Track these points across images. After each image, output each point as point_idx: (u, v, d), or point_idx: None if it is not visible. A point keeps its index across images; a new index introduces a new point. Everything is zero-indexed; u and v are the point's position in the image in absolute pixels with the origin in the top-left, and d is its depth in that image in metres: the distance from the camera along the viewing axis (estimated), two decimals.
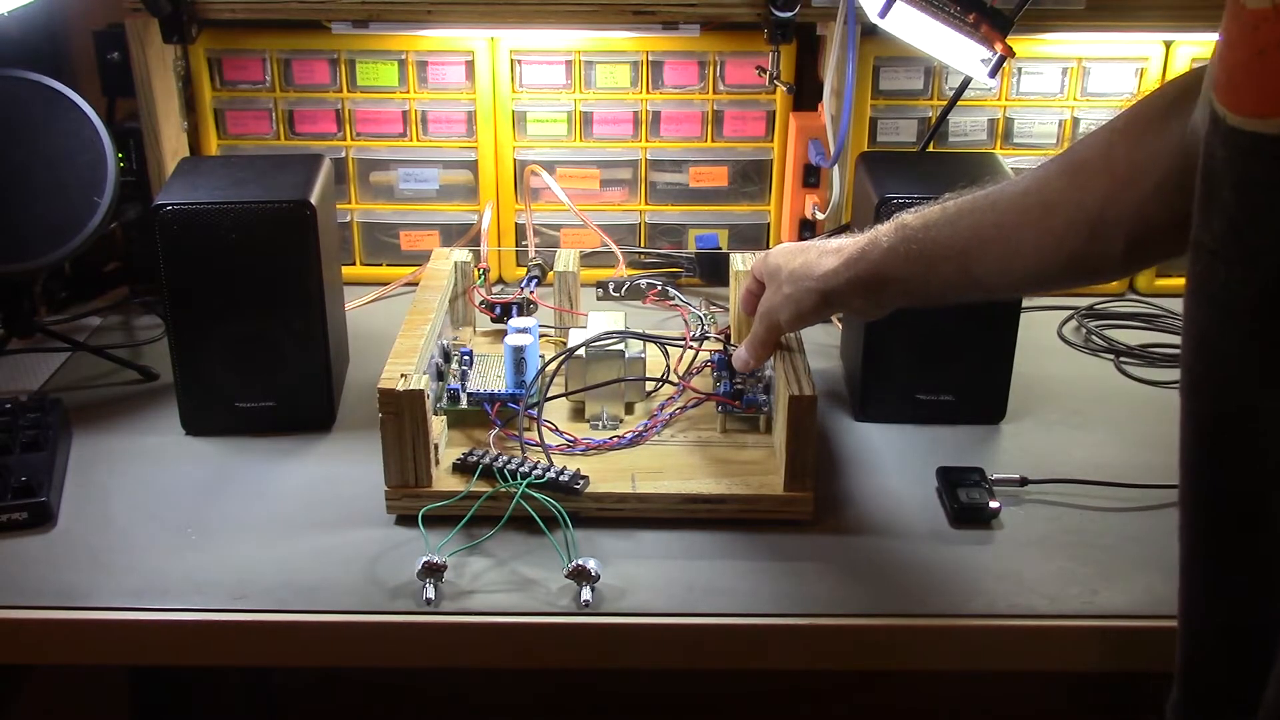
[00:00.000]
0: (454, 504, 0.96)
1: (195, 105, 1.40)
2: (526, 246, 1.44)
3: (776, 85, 1.36)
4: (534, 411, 1.06)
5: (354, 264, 1.47)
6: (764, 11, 1.29)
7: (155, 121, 1.35)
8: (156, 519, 1.00)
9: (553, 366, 1.09)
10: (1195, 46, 1.36)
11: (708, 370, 1.15)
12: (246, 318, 1.08)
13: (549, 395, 1.09)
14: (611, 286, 1.39)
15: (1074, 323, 1.36)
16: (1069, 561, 0.95)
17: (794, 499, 0.98)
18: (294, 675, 1.64)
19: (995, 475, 1.03)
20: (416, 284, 1.20)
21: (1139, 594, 0.91)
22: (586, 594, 0.89)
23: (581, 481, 0.98)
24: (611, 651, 0.90)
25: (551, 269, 1.26)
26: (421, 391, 0.95)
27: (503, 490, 0.96)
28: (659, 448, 1.06)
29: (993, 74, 1.13)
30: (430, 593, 0.89)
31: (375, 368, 0.99)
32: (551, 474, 0.97)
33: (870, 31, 1.26)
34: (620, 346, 1.10)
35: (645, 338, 1.13)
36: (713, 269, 1.43)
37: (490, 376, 1.12)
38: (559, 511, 0.94)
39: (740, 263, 1.19)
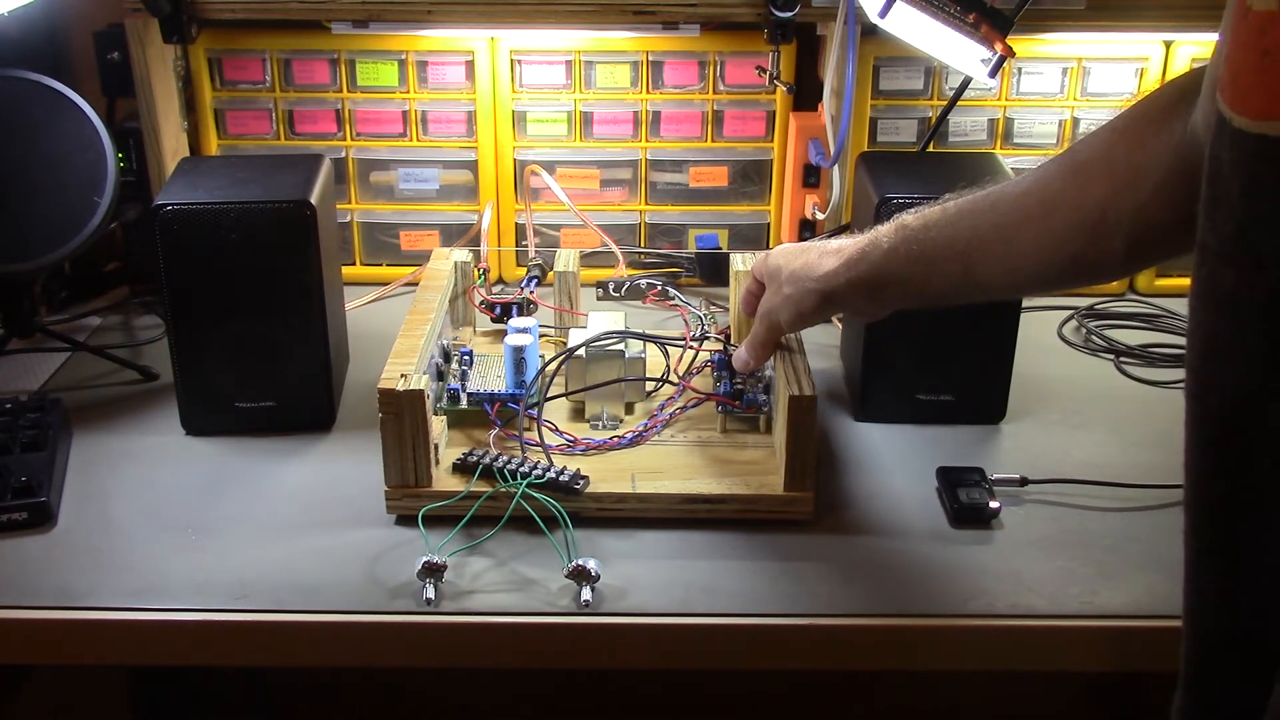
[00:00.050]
0: (454, 504, 0.96)
1: (195, 105, 1.40)
2: (526, 246, 1.44)
3: (776, 85, 1.36)
4: (534, 411, 1.06)
5: (354, 264, 1.47)
6: (764, 11, 1.29)
7: (155, 121, 1.35)
8: (156, 519, 1.00)
9: (553, 366, 1.09)
10: (1195, 46, 1.36)
11: (708, 370, 1.15)
12: (246, 318, 1.08)
13: (549, 395, 1.09)
14: (611, 286, 1.39)
15: (1074, 323, 1.36)
16: (1069, 561, 0.95)
17: (794, 499, 0.98)
18: (294, 675, 1.64)
19: (995, 475, 1.03)
20: (416, 284, 1.20)
21: (1139, 594, 0.91)
22: (586, 594, 0.89)
23: (581, 481, 0.98)
24: (611, 651, 0.90)
25: (551, 269, 1.26)
26: (421, 391, 0.95)
27: (503, 490, 0.96)
28: (659, 448, 1.06)
29: (993, 74, 1.13)
30: (430, 593, 0.89)
31: (375, 368, 0.99)
32: (551, 474, 0.97)
33: (870, 31, 1.26)
34: (620, 346, 1.10)
35: (645, 338, 1.13)
36: (713, 269, 1.43)
37: (490, 376, 1.12)
38: (559, 511, 0.94)
39: (740, 263, 1.19)
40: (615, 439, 1.06)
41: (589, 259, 1.42)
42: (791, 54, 1.37)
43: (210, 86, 1.40)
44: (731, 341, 1.16)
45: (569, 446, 1.04)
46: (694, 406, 1.11)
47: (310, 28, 1.37)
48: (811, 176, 1.41)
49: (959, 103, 1.30)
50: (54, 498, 1.01)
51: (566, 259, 1.26)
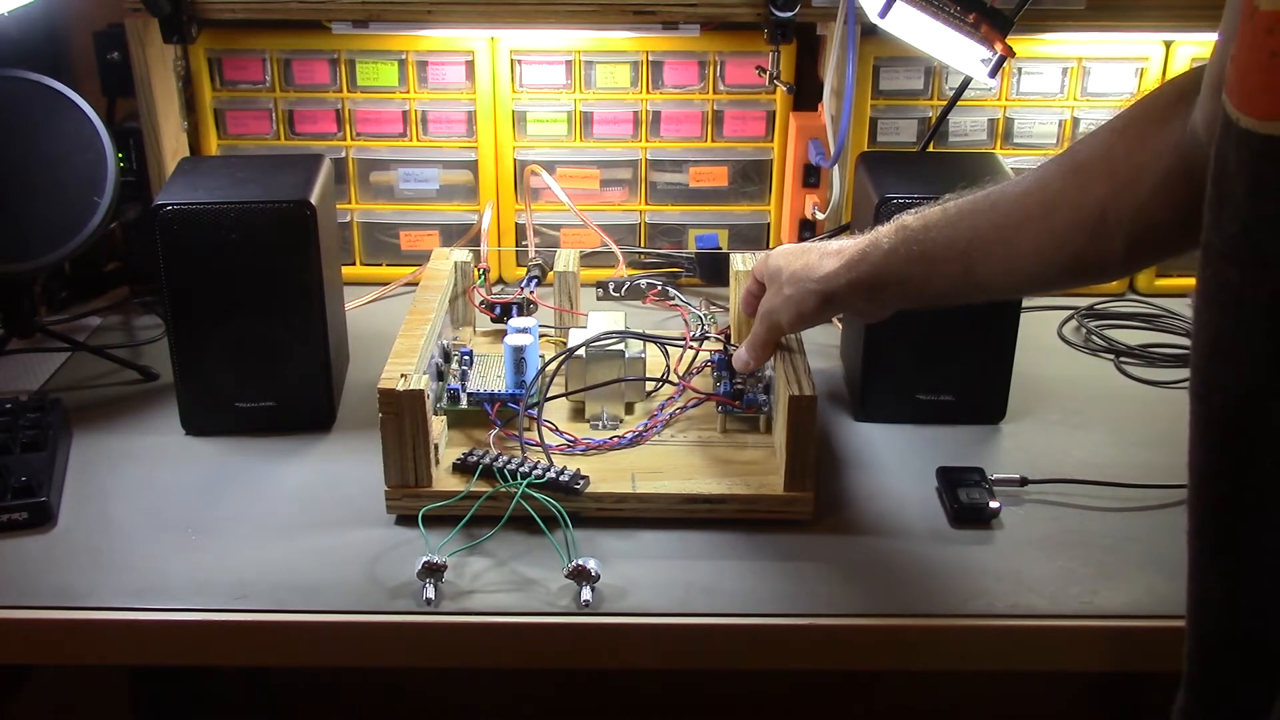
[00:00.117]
0: (454, 504, 0.96)
1: (195, 105, 1.40)
2: (526, 246, 1.44)
3: (776, 85, 1.36)
4: (534, 411, 1.06)
5: (354, 264, 1.47)
6: (764, 11, 1.29)
7: (155, 121, 1.35)
8: (156, 519, 1.00)
9: (553, 366, 1.09)
10: (1195, 46, 1.36)
11: (708, 370, 1.15)
12: (246, 318, 1.08)
13: (549, 395, 1.09)
14: (611, 286, 1.39)
15: (1074, 323, 1.36)
16: (1069, 561, 0.95)
17: (794, 499, 0.98)
18: (294, 675, 1.64)
19: (995, 475, 1.03)
20: (416, 284, 1.20)
21: (1139, 594, 0.91)
22: (586, 594, 0.89)
23: (581, 481, 0.98)
24: (611, 651, 0.90)
25: (551, 269, 1.26)
26: (421, 391, 0.95)
27: (503, 490, 0.96)
28: (659, 448, 1.06)
29: (993, 74, 1.13)
30: (430, 593, 0.89)
31: (375, 368, 0.99)
32: (551, 474, 0.97)
33: (870, 31, 1.26)
34: (620, 346, 1.10)
35: (645, 338, 1.13)
36: (713, 269, 1.43)
37: (490, 376, 1.12)
38: (559, 511, 0.94)
39: (740, 263, 1.20)
40: (615, 439, 1.06)
41: (589, 259, 1.42)
42: (791, 54, 1.37)
43: (210, 86, 1.40)
44: (731, 341, 1.16)
45: (569, 446, 1.04)
46: (694, 406, 1.11)
47: (310, 28, 1.37)
48: (811, 176, 1.41)
49: (959, 103, 1.30)
50: (54, 498, 1.01)
51: (566, 259, 1.26)
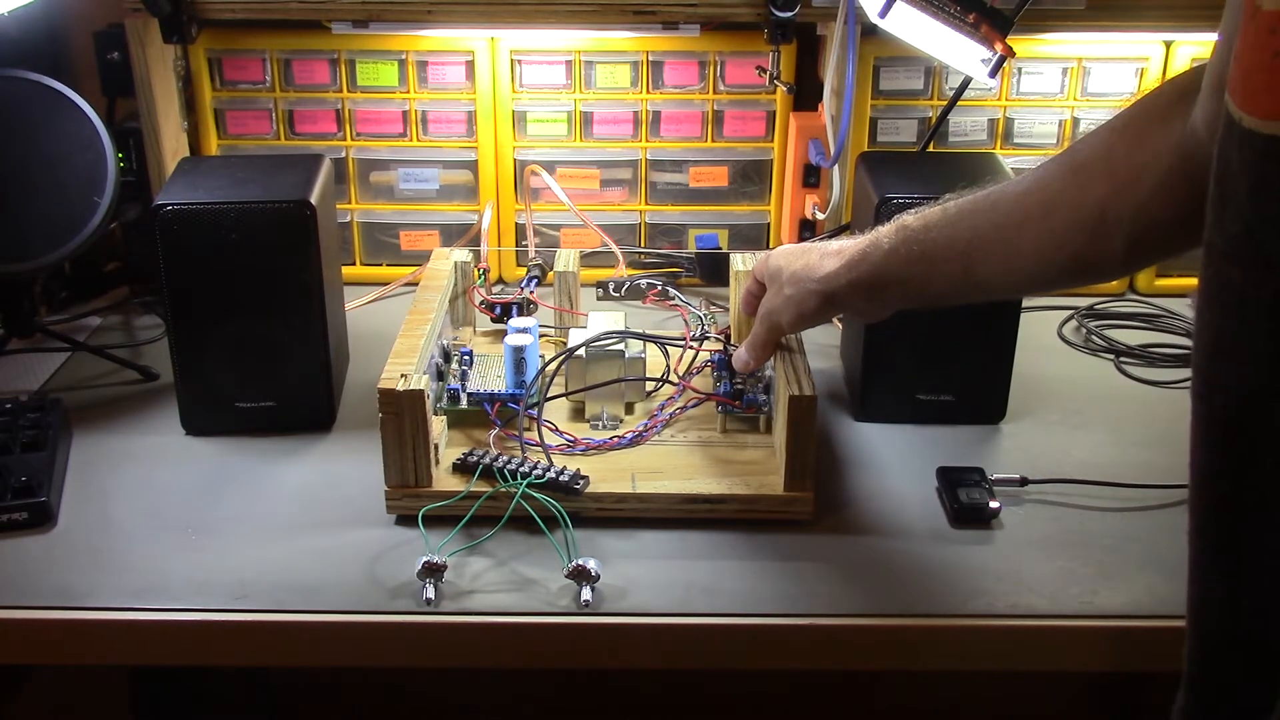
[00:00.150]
0: (454, 504, 0.96)
1: (195, 105, 1.40)
2: (526, 246, 1.44)
3: (776, 85, 1.36)
4: (534, 411, 1.06)
5: (354, 264, 1.47)
6: (764, 11, 1.29)
7: (155, 121, 1.35)
8: (156, 519, 1.00)
9: (553, 366, 1.09)
10: (1195, 46, 1.36)
11: (708, 370, 1.15)
12: (246, 318, 1.08)
13: (549, 395, 1.09)
14: (611, 286, 1.39)
15: (1074, 323, 1.36)
16: (1069, 561, 0.95)
17: (794, 499, 0.98)
18: (294, 675, 1.64)
19: (995, 475, 1.03)
20: (416, 284, 1.20)
21: (1139, 594, 0.91)
22: (586, 594, 0.89)
23: (581, 481, 0.98)
24: (611, 651, 0.90)
25: (551, 269, 1.26)
26: (421, 391, 0.95)
27: (503, 490, 0.96)
28: (659, 448, 1.06)
29: (993, 74, 1.13)
30: (430, 593, 0.89)
31: (375, 368, 0.99)
32: (551, 474, 0.97)
33: (870, 31, 1.26)
34: (620, 346, 1.10)
35: (645, 338, 1.13)
36: (713, 269, 1.43)
37: (490, 376, 1.12)
38: (559, 511, 0.94)
39: (740, 263, 1.20)
40: (615, 439, 1.06)
41: (589, 259, 1.42)
42: (791, 54, 1.37)
43: (210, 86, 1.40)
44: (731, 341, 1.16)
45: (569, 446, 1.04)
46: (694, 406, 1.11)
47: (310, 28, 1.37)
48: (811, 176, 1.41)
49: (959, 103, 1.30)
50: (54, 498, 1.01)
51: (566, 259, 1.26)
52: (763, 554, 0.95)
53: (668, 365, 1.13)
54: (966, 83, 1.25)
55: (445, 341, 1.15)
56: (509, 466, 0.98)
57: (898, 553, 0.96)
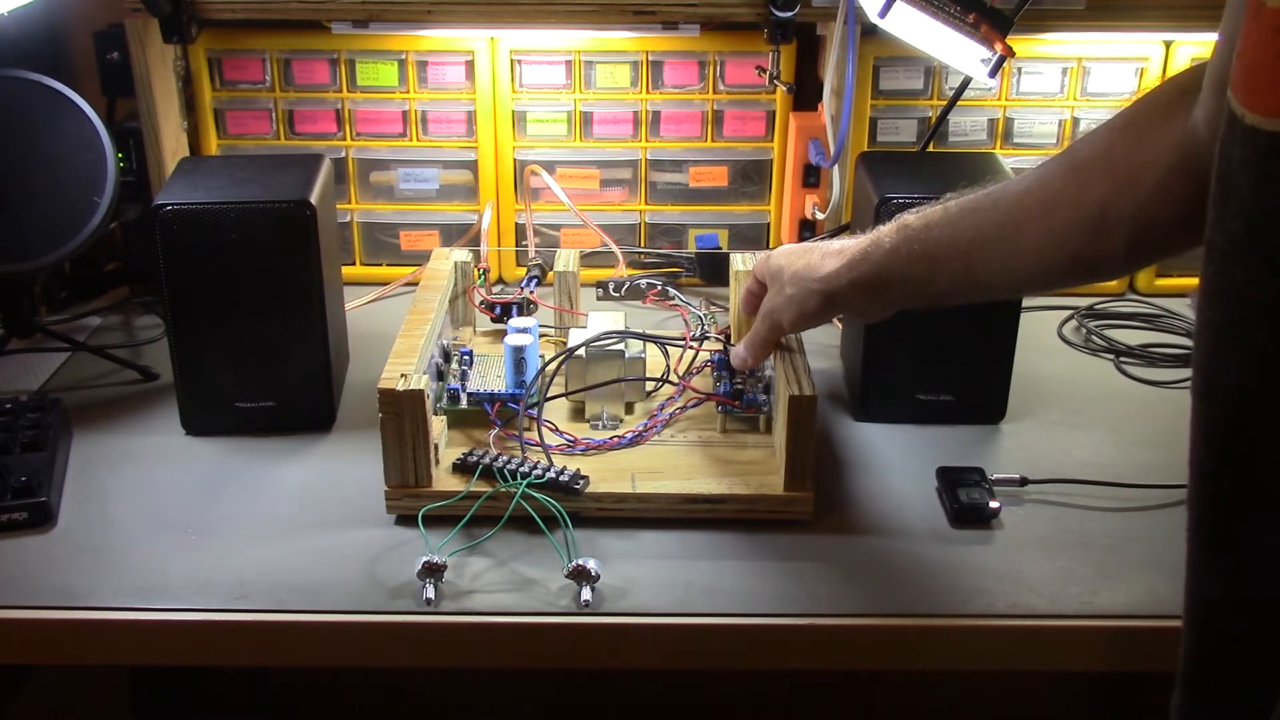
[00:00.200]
0: (454, 504, 0.96)
1: (195, 105, 1.40)
2: (526, 246, 1.44)
3: (776, 85, 1.36)
4: (534, 411, 1.06)
5: (354, 264, 1.47)
6: (764, 11, 1.29)
7: (155, 121, 1.35)
8: (156, 519, 1.00)
9: (553, 366, 1.09)
10: (1195, 46, 1.36)
11: (708, 370, 1.15)
12: (246, 318, 1.08)
13: (549, 395, 1.09)
14: (611, 286, 1.39)
15: (1074, 323, 1.36)
16: (1069, 561, 0.95)
17: (794, 499, 0.98)
18: (294, 675, 1.64)
19: (995, 475, 1.03)
20: (416, 284, 1.20)
21: (1139, 594, 0.91)
22: (586, 594, 0.89)
23: (581, 481, 0.98)
24: (611, 651, 0.90)
25: (551, 269, 1.26)
26: (421, 391, 0.95)
27: (503, 490, 0.96)
28: (659, 448, 1.06)
29: (993, 74, 1.13)
30: (430, 593, 0.89)
31: (375, 368, 0.99)
32: (551, 474, 0.97)
33: (870, 31, 1.26)
34: (620, 346, 1.10)
35: (645, 338, 1.13)
36: (713, 269, 1.43)
37: (490, 376, 1.12)
38: (559, 511, 0.94)
39: (740, 263, 1.20)
40: (615, 439, 1.06)
41: (589, 259, 1.42)
42: (791, 54, 1.37)
43: (210, 86, 1.40)
44: (731, 341, 1.16)
45: (569, 446, 1.04)
46: (694, 406, 1.11)
47: (310, 28, 1.37)
48: (811, 176, 1.41)
49: (959, 103, 1.30)
50: (54, 498, 1.01)
51: (566, 259, 1.26)
52: (763, 554, 0.95)
53: (668, 365, 1.13)
54: (966, 83, 1.25)
55: (445, 341, 1.15)
56: (509, 466, 0.98)
57: (898, 553, 0.96)
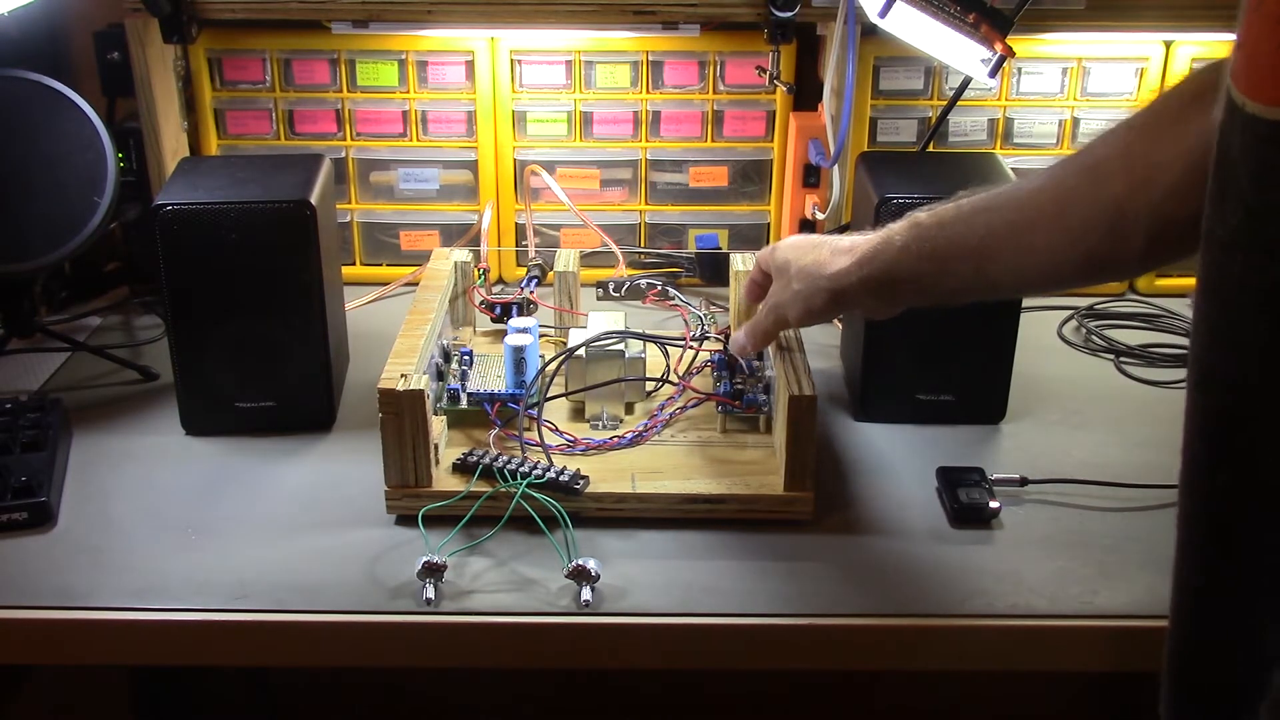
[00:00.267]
0: (454, 504, 0.96)
1: (195, 105, 1.40)
2: (526, 246, 1.44)
3: (776, 85, 1.36)
4: (534, 411, 1.06)
5: (354, 264, 1.47)
6: (764, 11, 1.29)
7: (155, 121, 1.35)
8: (156, 519, 1.00)
9: (553, 366, 1.09)
10: (1195, 46, 1.36)
11: (708, 370, 1.15)
12: (246, 318, 1.08)
13: (549, 395, 1.09)
14: (611, 286, 1.39)
15: (1074, 323, 1.36)
16: (1069, 561, 0.95)
17: (794, 499, 0.98)
18: (294, 675, 1.64)
19: (995, 475, 1.03)
20: (416, 284, 1.20)
21: (1139, 594, 0.91)
22: (586, 594, 0.89)
23: (581, 481, 0.98)
24: (611, 651, 0.90)
25: (551, 269, 1.26)
26: (421, 391, 0.95)
27: (503, 490, 0.96)
28: (659, 448, 1.06)
29: (993, 74, 1.13)
30: (430, 593, 0.89)
31: (375, 368, 0.99)
32: (551, 474, 0.97)
33: (870, 31, 1.26)
34: (620, 346, 1.10)
35: (645, 338, 1.13)
36: (713, 269, 1.43)
37: (490, 376, 1.12)
38: (559, 511, 0.94)
39: (740, 263, 1.20)
40: (615, 439, 1.06)
41: (589, 259, 1.42)
42: (791, 54, 1.37)
43: (210, 86, 1.40)
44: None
45: (569, 446, 1.04)
46: (694, 406, 1.11)
47: (310, 28, 1.37)
48: (811, 176, 1.41)
49: (959, 103, 1.30)
50: (54, 498, 1.01)
51: (566, 259, 1.26)
52: (763, 554, 0.95)
53: (668, 365, 1.13)
54: (966, 83, 1.25)
55: (445, 341, 1.15)
56: (509, 466, 0.98)
57: (897, 553, 0.96)
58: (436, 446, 1.00)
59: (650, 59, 1.40)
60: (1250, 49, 0.56)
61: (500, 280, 1.47)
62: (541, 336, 1.19)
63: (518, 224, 1.46)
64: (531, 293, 1.25)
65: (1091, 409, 1.18)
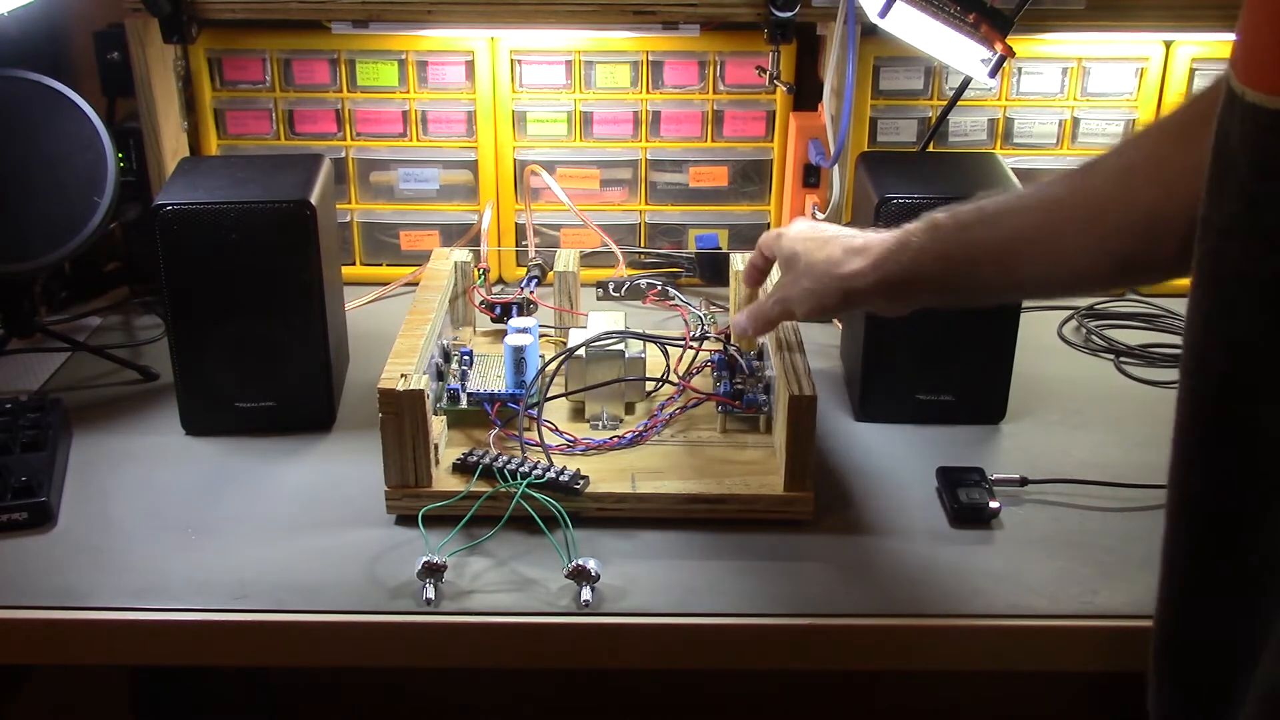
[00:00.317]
0: (454, 504, 0.96)
1: (195, 105, 1.40)
2: (526, 246, 1.44)
3: (776, 85, 1.36)
4: (534, 411, 1.06)
5: (354, 264, 1.47)
6: (764, 11, 1.29)
7: (155, 121, 1.35)
8: (156, 519, 1.00)
9: (553, 366, 1.09)
10: (1195, 46, 1.36)
11: (708, 370, 1.15)
12: (246, 318, 1.08)
13: (549, 395, 1.09)
14: (611, 286, 1.39)
15: (1074, 323, 1.36)
16: (1069, 561, 0.95)
17: (794, 499, 0.98)
18: (294, 675, 1.64)
19: (995, 475, 1.03)
20: (416, 284, 1.20)
21: (1139, 594, 0.91)
22: (586, 594, 0.89)
23: (581, 481, 0.98)
24: (611, 651, 0.90)
25: (551, 269, 1.26)
26: (421, 391, 0.95)
27: (503, 490, 0.96)
28: (659, 448, 1.06)
29: (993, 74, 1.13)
30: (430, 593, 0.89)
31: (375, 368, 0.99)
32: (551, 474, 0.97)
33: (870, 31, 1.26)
34: (620, 346, 1.10)
35: (645, 338, 1.13)
36: (713, 269, 1.43)
37: (490, 376, 1.12)
38: (559, 511, 0.94)
39: (740, 263, 1.20)
40: (615, 439, 1.06)
41: (589, 259, 1.42)
42: (791, 54, 1.37)
43: (210, 86, 1.40)
44: (732, 342, 1.16)
45: (569, 446, 1.04)
46: (694, 406, 1.11)
47: (310, 28, 1.37)
48: (811, 176, 1.41)
49: (959, 103, 1.30)
50: (54, 498, 1.01)
51: (566, 259, 1.26)
52: (763, 554, 0.95)
53: (668, 365, 1.13)
54: (966, 83, 1.25)
55: (445, 341, 1.15)
56: (509, 466, 0.98)
57: (897, 553, 0.96)
58: (436, 446, 1.00)
59: (650, 59, 1.40)
60: (1250, 38, 0.57)
61: (500, 280, 1.47)
62: (541, 336, 1.19)
63: (518, 224, 1.46)
64: (531, 293, 1.25)
65: (1091, 409, 1.18)
